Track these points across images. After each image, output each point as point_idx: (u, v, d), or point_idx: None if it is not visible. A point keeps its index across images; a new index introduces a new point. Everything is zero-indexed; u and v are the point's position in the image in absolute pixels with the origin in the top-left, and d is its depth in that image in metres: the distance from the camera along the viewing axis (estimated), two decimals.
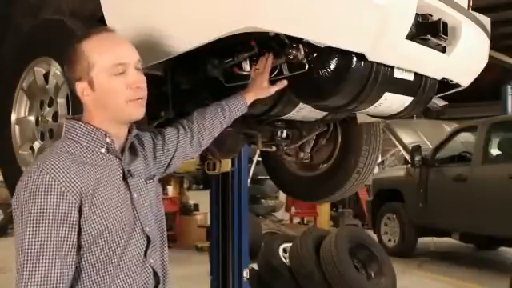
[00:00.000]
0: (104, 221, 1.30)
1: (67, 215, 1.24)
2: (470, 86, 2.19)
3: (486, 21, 2.13)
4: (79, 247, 1.28)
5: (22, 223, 1.24)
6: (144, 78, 1.41)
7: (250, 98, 1.84)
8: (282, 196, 9.17)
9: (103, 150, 1.37)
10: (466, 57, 1.95)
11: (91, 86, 1.36)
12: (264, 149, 2.68)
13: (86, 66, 1.35)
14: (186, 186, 10.58)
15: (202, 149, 1.78)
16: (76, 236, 1.26)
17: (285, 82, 1.83)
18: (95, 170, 1.33)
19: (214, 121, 1.76)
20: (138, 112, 1.40)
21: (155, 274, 1.44)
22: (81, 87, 1.37)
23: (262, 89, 1.83)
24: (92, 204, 1.29)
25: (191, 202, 9.24)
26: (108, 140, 1.38)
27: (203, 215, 8.48)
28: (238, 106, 1.81)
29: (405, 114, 2.04)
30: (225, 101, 1.80)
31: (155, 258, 1.45)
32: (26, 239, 1.22)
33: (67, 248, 1.25)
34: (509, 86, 11.84)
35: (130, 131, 1.46)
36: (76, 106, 1.78)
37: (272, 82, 1.83)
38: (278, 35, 1.60)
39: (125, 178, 1.40)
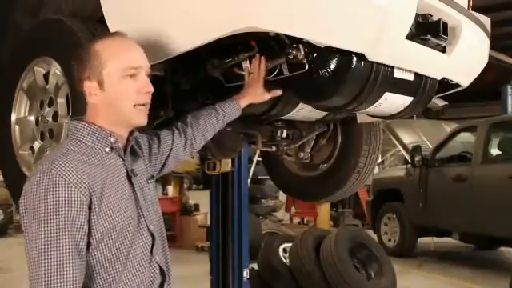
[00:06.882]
0: (111, 219, 1.32)
1: (79, 213, 1.25)
2: (470, 85, 2.19)
3: (486, 21, 2.13)
4: (88, 245, 1.29)
5: (34, 223, 1.24)
6: (151, 85, 1.43)
7: (244, 102, 1.88)
8: (282, 196, 9.15)
9: (107, 149, 1.39)
10: (466, 57, 1.95)
11: (101, 86, 1.37)
12: (264, 149, 2.68)
13: (99, 65, 1.36)
14: (186, 186, 10.57)
15: (195, 151, 1.82)
16: (86, 234, 1.28)
17: (279, 92, 1.89)
18: (102, 170, 1.34)
19: (208, 124, 1.80)
20: (141, 119, 1.42)
21: (161, 271, 1.46)
22: (89, 86, 1.38)
23: (256, 95, 1.87)
24: (101, 203, 1.30)
25: (191, 201, 9.24)
26: (112, 139, 1.39)
27: (203, 215, 8.48)
28: (231, 111, 1.85)
29: (405, 114, 2.04)
30: (219, 104, 1.84)
31: (159, 255, 1.46)
32: (41, 239, 1.22)
33: (81, 246, 1.26)
34: (509, 86, 11.86)
35: (131, 133, 1.47)
36: (76, 106, 1.78)
37: (267, 89, 1.86)
38: (278, 35, 1.60)
39: (129, 178, 1.42)
